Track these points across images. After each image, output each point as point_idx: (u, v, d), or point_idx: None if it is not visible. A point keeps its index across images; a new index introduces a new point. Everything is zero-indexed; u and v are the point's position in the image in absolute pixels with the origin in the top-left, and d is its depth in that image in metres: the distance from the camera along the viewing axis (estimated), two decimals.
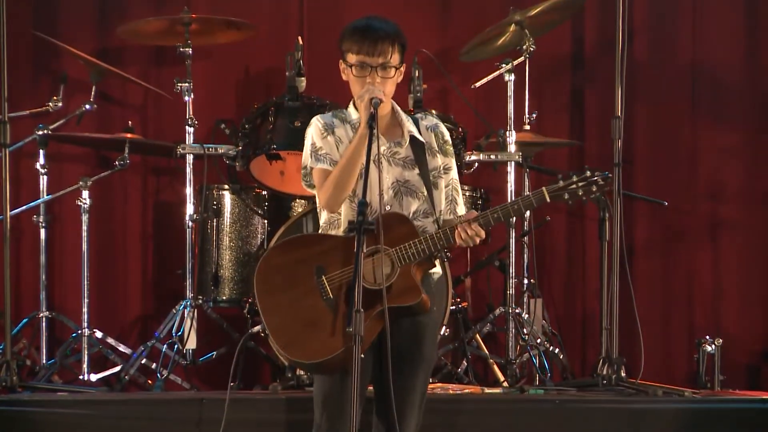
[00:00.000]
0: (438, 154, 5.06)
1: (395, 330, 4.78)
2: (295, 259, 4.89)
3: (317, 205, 5.04)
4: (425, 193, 4.99)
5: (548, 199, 4.92)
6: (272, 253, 4.97)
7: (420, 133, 5.04)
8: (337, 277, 4.83)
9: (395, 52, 4.95)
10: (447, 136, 5.11)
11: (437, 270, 5.04)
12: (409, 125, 5.03)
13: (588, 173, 4.93)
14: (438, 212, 5.01)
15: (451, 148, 5.10)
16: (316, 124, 5.03)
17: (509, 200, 7.20)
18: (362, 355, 4.69)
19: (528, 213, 7.36)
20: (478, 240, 4.88)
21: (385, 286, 4.75)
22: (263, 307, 4.88)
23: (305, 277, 4.86)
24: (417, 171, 5.00)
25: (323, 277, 4.84)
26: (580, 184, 4.94)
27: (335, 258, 4.85)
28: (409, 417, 4.92)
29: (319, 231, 5.04)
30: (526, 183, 7.38)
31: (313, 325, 4.82)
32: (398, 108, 5.07)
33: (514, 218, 7.20)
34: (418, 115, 5.15)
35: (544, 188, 4.93)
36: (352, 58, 4.97)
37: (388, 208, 4.94)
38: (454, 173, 5.08)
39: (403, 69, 5.03)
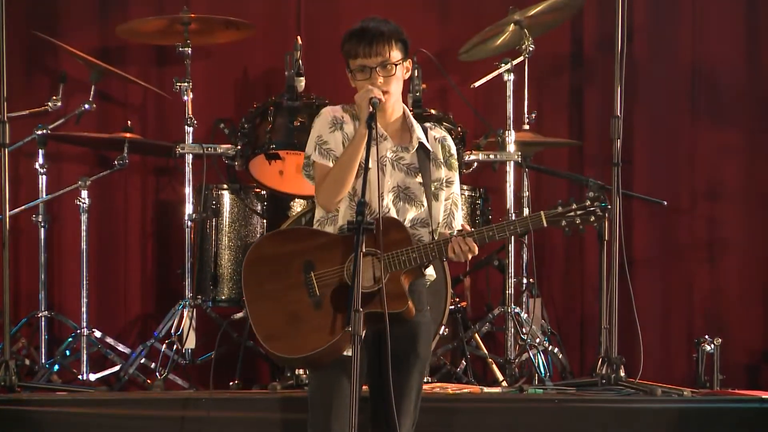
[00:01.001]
0: (442, 166, 5.05)
1: (390, 330, 4.77)
2: (286, 251, 4.88)
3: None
4: (424, 203, 4.99)
5: (545, 224, 4.92)
6: (263, 243, 4.97)
7: (427, 142, 5.04)
8: (327, 275, 4.83)
9: (394, 49, 4.94)
10: (454, 149, 5.10)
11: (432, 272, 5.03)
12: (419, 133, 5.03)
13: (587, 202, 4.93)
14: (435, 224, 5.00)
15: (456, 162, 5.09)
16: (325, 115, 5.01)
17: (508, 200, 7.21)
18: (346, 354, 4.70)
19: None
20: (470, 256, 4.89)
21: (381, 286, 4.76)
22: (248, 296, 4.88)
23: (294, 270, 4.85)
24: (419, 179, 4.99)
25: (312, 274, 4.84)
26: (579, 212, 4.93)
27: (326, 255, 4.85)
28: (405, 416, 4.92)
29: (313, 226, 5.03)
30: (526, 183, 7.38)
31: (296, 320, 4.82)
32: (410, 114, 5.07)
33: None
34: (428, 125, 5.13)
35: (542, 212, 4.93)
36: (353, 63, 4.97)
37: (386, 211, 4.94)
38: (456, 188, 5.07)
39: (408, 65, 5.01)
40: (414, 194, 4.99)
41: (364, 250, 4.76)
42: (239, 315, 6.90)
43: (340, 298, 4.76)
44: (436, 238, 4.94)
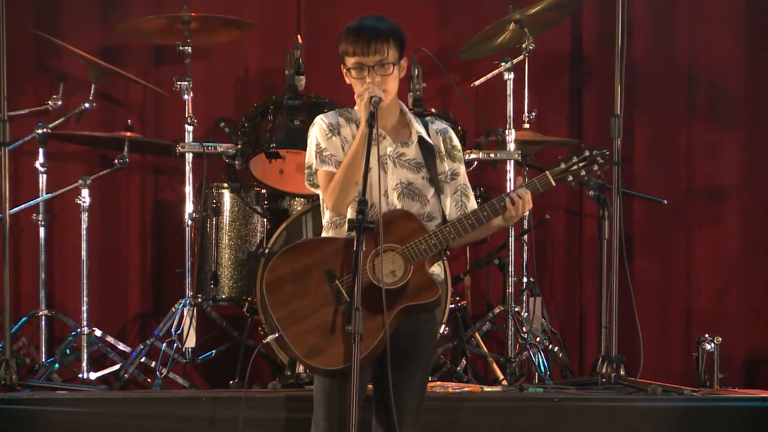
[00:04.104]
0: (446, 159, 5.04)
1: (394, 329, 4.78)
2: (302, 266, 4.85)
3: (321, 204, 5.02)
4: (429, 197, 4.98)
5: (553, 183, 4.95)
6: (277, 263, 4.90)
7: (429, 136, 5.04)
8: (350, 280, 4.81)
9: (391, 48, 4.92)
10: (456, 141, 5.08)
11: (441, 273, 5.03)
12: (417, 127, 5.02)
13: (587, 152, 4.96)
14: (444, 217, 4.99)
15: (460, 153, 5.07)
16: (320, 124, 5.00)
17: None
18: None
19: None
20: (527, 209, 4.93)
21: (400, 285, 4.76)
22: (279, 318, 4.83)
23: (317, 283, 4.82)
24: (423, 174, 4.98)
25: (336, 282, 4.82)
26: (581, 164, 4.97)
27: (344, 261, 4.81)
28: (408, 416, 4.92)
29: (322, 230, 5.02)
30: (526, 182, 7.36)
31: (332, 330, 4.78)
32: (407, 110, 5.06)
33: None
34: (428, 119, 5.12)
35: (548, 172, 4.95)
36: (349, 60, 4.95)
37: (391, 208, 4.93)
38: (462, 178, 5.05)
39: (405, 63, 4.99)
40: (418, 189, 4.98)
41: (384, 246, 4.76)
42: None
43: (368, 299, 4.71)
44: None
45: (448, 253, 5.08)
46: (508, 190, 7.07)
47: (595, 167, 4.97)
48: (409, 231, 4.84)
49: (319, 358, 4.80)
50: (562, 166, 4.96)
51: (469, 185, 5.08)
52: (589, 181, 6.93)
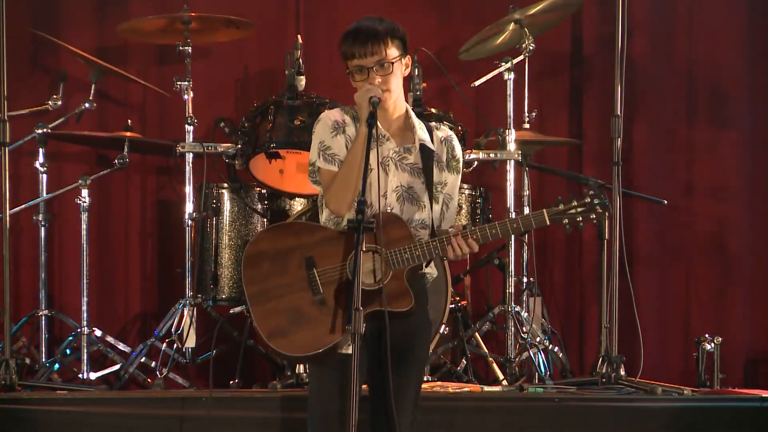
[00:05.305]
0: (444, 169, 5.04)
1: (390, 328, 4.77)
2: (285, 246, 4.86)
3: (319, 201, 5.02)
4: (426, 204, 4.98)
5: (548, 222, 4.93)
6: (262, 238, 4.94)
7: (432, 142, 5.03)
8: (329, 272, 4.82)
9: (389, 47, 4.90)
10: (457, 151, 5.05)
11: (434, 271, 5.03)
12: (421, 133, 5.00)
13: (587, 199, 4.94)
14: (435, 226, 4.99)
15: (458, 164, 5.05)
16: (325, 120, 4.98)
17: (508, 198, 7.21)
18: (346, 351, 4.70)
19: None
20: (467, 254, 4.87)
21: (381, 285, 4.75)
22: (250, 293, 4.85)
23: (294, 266, 4.83)
24: (422, 180, 4.98)
25: (314, 271, 4.83)
26: (580, 209, 4.93)
27: (327, 251, 4.83)
28: (404, 416, 4.91)
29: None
30: (526, 182, 7.39)
31: (299, 317, 4.80)
32: (413, 114, 5.04)
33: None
34: (433, 124, 5.10)
35: (544, 210, 4.93)
36: (350, 64, 4.94)
37: (389, 210, 4.93)
38: (450, 188, 5.02)
39: (407, 60, 4.98)
40: (417, 195, 4.97)
41: (364, 248, 4.76)
42: (237, 309, 6.90)
43: (342, 295, 4.74)
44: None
45: None
46: (508, 191, 7.19)
47: (593, 216, 4.94)
48: (397, 236, 4.84)
49: (280, 341, 4.81)
50: (561, 207, 4.94)
51: (455, 195, 5.05)
52: (588, 181, 6.93)
